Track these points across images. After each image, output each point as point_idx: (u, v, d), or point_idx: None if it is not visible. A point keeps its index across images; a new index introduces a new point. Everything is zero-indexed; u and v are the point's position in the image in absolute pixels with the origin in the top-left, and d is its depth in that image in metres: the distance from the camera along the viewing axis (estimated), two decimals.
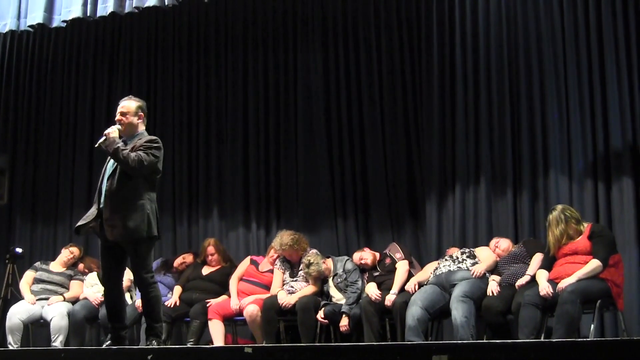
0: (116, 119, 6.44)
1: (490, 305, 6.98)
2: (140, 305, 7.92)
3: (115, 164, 6.22)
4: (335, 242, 9.17)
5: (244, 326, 8.28)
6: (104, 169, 6.40)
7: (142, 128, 6.46)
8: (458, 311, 6.95)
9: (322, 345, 6.97)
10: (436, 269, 7.60)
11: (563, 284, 6.51)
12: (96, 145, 6.38)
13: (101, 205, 6.25)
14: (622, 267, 6.84)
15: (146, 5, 8.59)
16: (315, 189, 9.38)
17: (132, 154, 6.10)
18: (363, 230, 9.17)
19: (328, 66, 9.57)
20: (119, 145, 6.14)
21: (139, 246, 6.17)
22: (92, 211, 6.31)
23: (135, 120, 6.41)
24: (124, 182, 6.16)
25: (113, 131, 6.28)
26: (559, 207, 7.04)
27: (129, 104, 6.46)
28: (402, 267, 7.83)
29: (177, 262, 8.91)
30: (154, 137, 6.39)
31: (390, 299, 7.52)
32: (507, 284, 7.15)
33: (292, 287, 8.12)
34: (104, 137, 6.25)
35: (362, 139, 9.30)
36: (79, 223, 6.35)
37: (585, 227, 6.90)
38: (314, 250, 8.29)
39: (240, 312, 8.05)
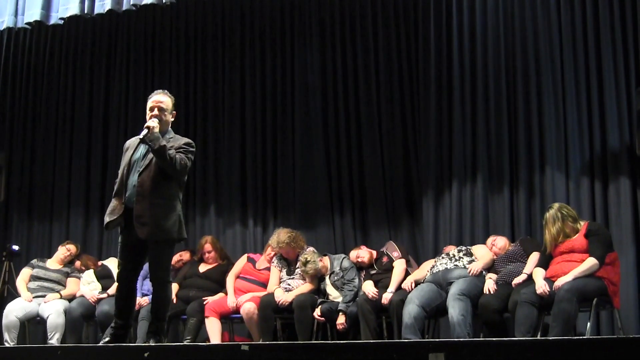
0: (154, 113, 6.12)
1: (486, 304, 6.99)
2: (139, 303, 7.99)
3: (148, 158, 6.03)
4: (332, 240, 9.18)
5: (241, 324, 8.27)
6: (127, 162, 6.15)
7: (169, 126, 6.29)
8: (455, 309, 6.96)
9: (318, 343, 6.97)
10: (433, 266, 7.61)
11: (559, 282, 6.53)
12: (141, 137, 6.02)
13: (126, 200, 6.05)
14: (619, 265, 6.86)
15: (144, 2, 8.57)
16: (312, 187, 9.39)
17: (178, 156, 5.96)
18: (360, 228, 9.18)
19: (325, 63, 9.58)
20: (165, 143, 5.94)
21: (165, 246, 6.09)
22: (116, 205, 6.08)
23: (170, 117, 6.23)
24: (161, 181, 5.98)
25: (155, 125, 5.99)
26: (556, 205, 7.06)
27: (167, 100, 6.22)
28: (399, 266, 7.83)
29: (174, 259, 8.86)
30: (190, 141, 6.21)
31: (387, 297, 7.53)
32: (503, 282, 7.16)
33: (289, 284, 8.12)
34: (146, 130, 5.95)
35: (359, 136, 9.31)
36: (107, 219, 6.10)
37: (582, 225, 6.92)
38: (311, 248, 8.30)
39: (237, 310, 8.04)
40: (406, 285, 7.57)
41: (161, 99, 6.22)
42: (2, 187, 9.78)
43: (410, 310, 7.12)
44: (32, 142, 10.66)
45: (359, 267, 8.09)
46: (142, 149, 6.13)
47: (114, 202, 6.12)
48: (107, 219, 6.12)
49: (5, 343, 8.30)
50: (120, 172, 6.18)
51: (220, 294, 8.30)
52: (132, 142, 6.30)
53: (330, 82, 9.51)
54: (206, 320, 8.05)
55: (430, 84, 8.80)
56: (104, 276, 8.73)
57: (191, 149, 6.15)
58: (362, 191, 9.24)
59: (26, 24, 9.12)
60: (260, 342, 7.36)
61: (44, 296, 8.63)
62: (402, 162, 9.10)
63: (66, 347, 6.38)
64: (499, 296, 7.00)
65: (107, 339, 6.14)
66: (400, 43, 9.27)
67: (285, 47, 9.85)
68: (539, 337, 6.50)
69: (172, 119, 6.30)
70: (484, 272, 7.38)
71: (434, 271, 7.51)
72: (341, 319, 7.70)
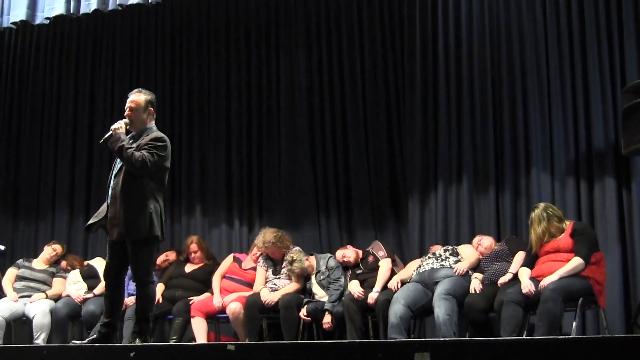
0: (125, 113, 6.20)
1: (472, 303, 7.00)
2: (125, 303, 7.96)
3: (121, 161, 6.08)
4: (318, 239, 9.17)
5: (227, 324, 8.27)
6: (113, 165, 6.26)
7: (151, 123, 6.27)
8: (440, 309, 6.97)
9: (304, 343, 6.98)
10: (419, 266, 7.61)
11: (545, 281, 6.54)
12: (101, 142, 6.16)
13: (108, 203, 6.12)
14: (604, 264, 6.86)
15: (129, 2, 8.56)
16: (298, 187, 9.37)
17: (137, 154, 5.93)
18: (346, 227, 9.18)
19: (311, 64, 9.58)
20: (123, 143, 5.96)
21: (138, 246, 6.06)
22: (103, 208, 6.17)
23: (144, 115, 6.21)
24: (129, 181, 6.00)
25: (120, 127, 6.07)
26: (541, 205, 7.07)
27: (138, 98, 6.22)
28: (385, 265, 7.84)
29: (160, 259, 8.87)
30: (159, 136, 6.18)
31: (372, 296, 7.53)
32: (489, 281, 7.17)
33: (274, 284, 8.12)
34: (109, 133, 6.05)
35: (344, 136, 9.31)
36: (90, 221, 6.21)
37: (568, 225, 6.93)
38: (297, 248, 8.30)
39: (223, 310, 8.04)
40: (392, 284, 7.58)
41: (133, 98, 6.26)
42: None
43: (396, 309, 7.13)
44: (17, 141, 10.61)
45: (345, 266, 8.09)
46: None
47: (102, 206, 6.23)
48: (90, 221, 6.24)
49: None
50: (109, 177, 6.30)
51: (206, 294, 8.29)
52: None
53: (316, 82, 9.51)
54: (192, 320, 8.04)
55: (416, 85, 8.80)
56: (89, 276, 8.71)
57: (159, 144, 6.10)
58: (347, 191, 9.24)
59: (12, 23, 9.09)
60: (246, 342, 7.36)
61: (29, 296, 8.60)
62: (388, 162, 9.11)
63: (52, 347, 6.38)
64: (485, 296, 7.01)
65: (93, 337, 6.14)
66: (386, 44, 9.28)
67: (270, 47, 9.84)
68: (524, 337, 6.52)
69: (149, 115, 6.28)
70: (470, 271, 7.39)
71: (420, 271, 7.51)
72: (327, 319, 7.70)
